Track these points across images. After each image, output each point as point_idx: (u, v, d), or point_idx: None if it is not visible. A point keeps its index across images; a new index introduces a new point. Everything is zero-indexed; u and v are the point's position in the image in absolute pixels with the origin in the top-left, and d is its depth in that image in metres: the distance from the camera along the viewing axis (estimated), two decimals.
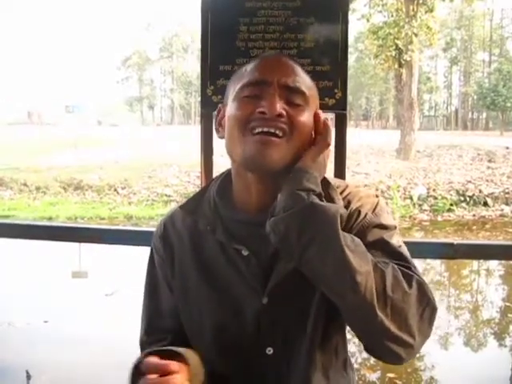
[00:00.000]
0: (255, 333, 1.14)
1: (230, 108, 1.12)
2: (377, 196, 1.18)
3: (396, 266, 1.01)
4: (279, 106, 1.06)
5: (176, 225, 1.25)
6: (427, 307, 1.01)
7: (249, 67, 1.14)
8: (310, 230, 0.96)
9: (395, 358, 1.01)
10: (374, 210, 1.13)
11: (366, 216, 1.11)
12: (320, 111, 1.15)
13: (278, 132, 1.06)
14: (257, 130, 1.06)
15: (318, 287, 1.06)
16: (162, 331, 1.26)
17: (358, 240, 1.00)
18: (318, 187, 1.03)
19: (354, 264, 0.94)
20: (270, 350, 1.14)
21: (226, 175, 1.23)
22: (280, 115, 1.06)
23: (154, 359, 0.99)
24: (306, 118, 1.10)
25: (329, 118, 1.15)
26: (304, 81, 1.12)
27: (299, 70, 1.14)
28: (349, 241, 0.96)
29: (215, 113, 1.23)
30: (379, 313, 0.95)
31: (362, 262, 0.96)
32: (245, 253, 1.13)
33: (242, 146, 1.08)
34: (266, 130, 1.05)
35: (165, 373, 0.96)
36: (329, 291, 1.01)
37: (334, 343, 1.19)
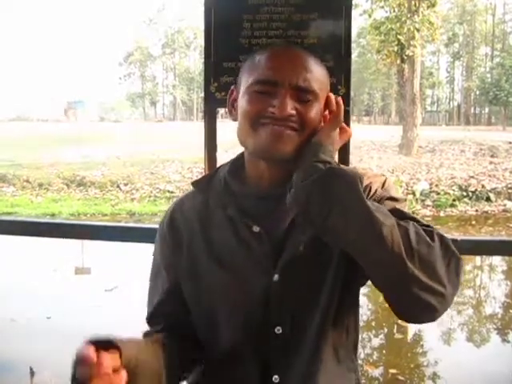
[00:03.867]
0: (264, 311, 1.15)
1: (242, 100, 1.14)
2: (384, 175, 1.22)
3: (416, 223, 1.02)
4: (290, 107, 1.09)
5: (185, 209, 1.26)
6: (452, 258, 1.02)
7: (262, 59, 1.15)
8: (333, 194, 0.97)
9: (428, 309, 1.00)
10: (383, 185, 1.17)
11: (376, 191, 1.15)
12: (331, 94, 1.17)
13: (287, 129, 1.10)
14: (268, 126, 1.10)
15: (339, 249, 1.06)
16: (162, 316, 1.27)
17: (375, 203, 1.02)
18: (333, 159, 1.06)
19: (379, 218, 0.95)
20: (278, 330, 1.15)
21: (238, 158, 1.25)
22: (290, 115, 1.09)
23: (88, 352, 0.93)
24: (315, 113, 1.13)
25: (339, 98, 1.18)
26: (315, 76, 1.14)
27: (309, 63, 1.15)
28: (369, 201, 0.98)
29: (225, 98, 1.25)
30: (409, 264, 0.95)
31: (385, 217, 0.97)
32: (256, 229, 1.14)
33: (253, 137, 1.11)
34: (276, 128, 1.09)
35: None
36: (355, 251, 1.01)
37: (345, 321, 1.21)
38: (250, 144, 1.13)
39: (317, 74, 1.15)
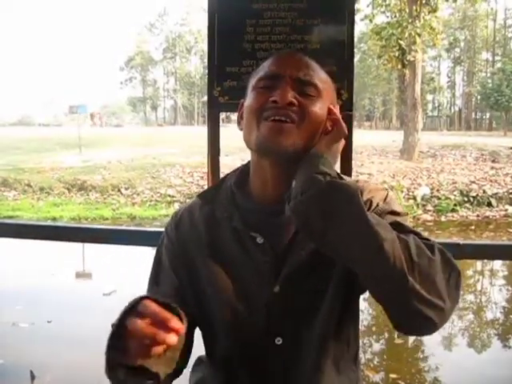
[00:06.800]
0: (265, 322, 1.15)
1: (248, 99, 1.17)
2: (385, 189, 1.21)
3: (416, 237, 1.01)
4: (290, 95, 1.10)
5: (193, 215, 1.27)
6: (452, 272, 1.01)
7: (266, 63, 1.19)
8: (332, 208, 0.96)
9: (428, 323, 0.99)
10: (385, 199, 1.16)
11: (378, 205, 1.14)
12: (333, 106, 1.16)
13: (288, 120, 1.10)
14: (270, 119, 1.10)
15: (341, 264, 1.05)
16: None
17: (376, 215, 1.01)
18: (333, 172, 1.05)
19: (380, 233, 0.94)
20: (279, 340, 1.15)
21: (245, 167, 1.27)
22: (291, 103, 1.10)
23: (155, 306, 0.92)
24: (317, 107, 1.13)
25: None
26: (316, 74, 1.16)
27: (312, 64, 1.18)
28: (369, 215, 0.96)
29: (230, 111, 1.27)
30: (410, 278, 0.94)
31: (386, 231, 0.96)
32: (260, 240, 1.15)
33: (256, 133, 1.12)
34: (277, 118, 1.09)
35: (161, 325, 0.88)
36: (355, 265, 1.00)
37: (346, 333, 1.21)
38: (253, 141, 1.14)
39: (320, 74, 1.17)
